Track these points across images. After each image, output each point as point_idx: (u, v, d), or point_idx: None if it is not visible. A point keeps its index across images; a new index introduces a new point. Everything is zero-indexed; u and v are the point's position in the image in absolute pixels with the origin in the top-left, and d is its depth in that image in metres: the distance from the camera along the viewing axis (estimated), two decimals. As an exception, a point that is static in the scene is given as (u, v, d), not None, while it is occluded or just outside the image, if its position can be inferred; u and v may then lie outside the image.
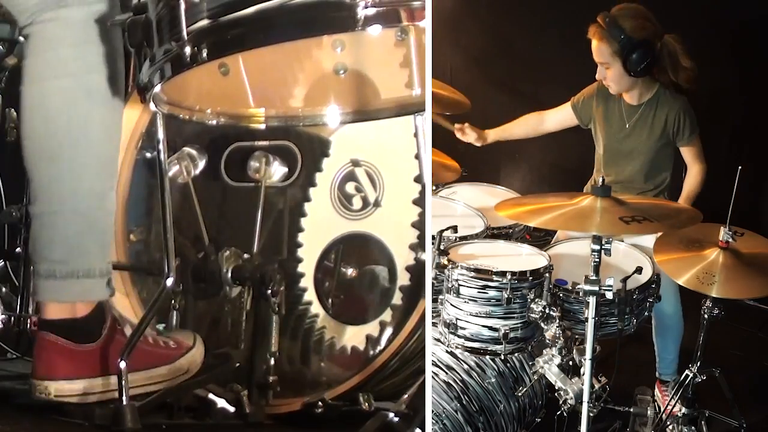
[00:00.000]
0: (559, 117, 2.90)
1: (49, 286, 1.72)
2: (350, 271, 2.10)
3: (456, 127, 2.91)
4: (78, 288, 1.72)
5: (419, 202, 2.02)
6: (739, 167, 2.08)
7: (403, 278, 2.03)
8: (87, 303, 1.75)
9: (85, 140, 1.70)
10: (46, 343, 1.71)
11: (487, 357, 2.27)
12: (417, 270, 2.01)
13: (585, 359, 2.04)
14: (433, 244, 2.26)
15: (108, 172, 1.78)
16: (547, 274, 2.19)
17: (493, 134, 2.97)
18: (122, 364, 1.66)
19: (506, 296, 2.14)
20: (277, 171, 2.17)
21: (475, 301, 2.16)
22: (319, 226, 2.13)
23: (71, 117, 1.69)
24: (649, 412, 2.37)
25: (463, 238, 2.40)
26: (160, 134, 1.75)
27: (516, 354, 2.30)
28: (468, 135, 2.92)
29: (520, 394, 2.32)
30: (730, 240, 2.13)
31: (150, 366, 1.82)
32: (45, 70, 1.70)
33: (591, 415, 2.05)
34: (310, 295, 2.12)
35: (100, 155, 1.74)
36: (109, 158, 1.77)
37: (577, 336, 2.23)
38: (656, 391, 2.69)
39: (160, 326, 2.12)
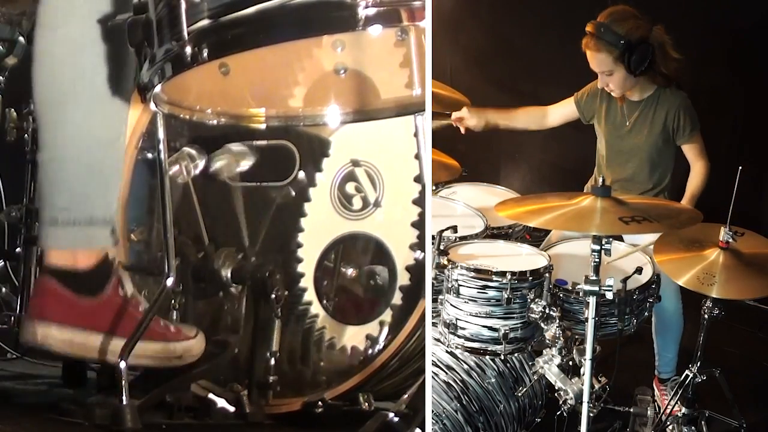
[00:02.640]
0: (562, 111, 2.90)
1: (52, 232, 1.73)
2: (350, 271, 2.10)
3: (453, 118, 2.89)
4: (79, 235, 1.73)
5: (419, 202, 2.02)
6: (740, 167, 2.08)
7: (403, 278, 2.03)
8: (90, 253, 1.75)
9: (91, 88, 1.71)
10: (44, 285, 1.73)
11: (487, 357, 2.27)
12: (417, 270, 2.01)
13: (585, 359, 2.04)
14: (433, 244, 2.26)
15: (115, 122, 1.78)
16: (547, 274, 2.19)
17: (494, 116, 2.91)
18: (122, 364, 1.66)
19: (506, 296, 2.14)
20: (246, 165, 2.16)
21: (475, 301, 2.16)
22: (319, 226, 2.13)
23: (78, 64, 1.70)
24: (649, 412, 2.38)
25: (463, 238, 2.40)
26: (160, 134, 1.75)
27: (516, 354, 2.30)
28: (467, 120, 2.88)
29: (520, 394, 2.32)
30: (731, 240, 2.13)
31: (145, 338, 1.79)
32: (57, 15, 1.71)
33: (591, 415, 2.05)
34: (310, 295, 2.12)
35: (105, 101, 1.74)
36: (115, 108, 1.77)
37: (577, 336, 2.23)
38: (654, 389, 2.70)
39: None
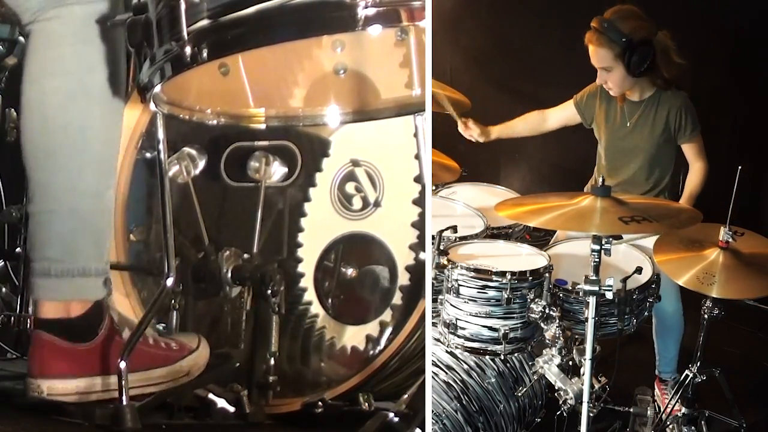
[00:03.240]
0: (562, 115, 2.91)
1: (44, 284, 1.72)
2: (350, 271, 2.10)
3: (462, 120, 2.91)
4: (73, 287, 1.73)
5: (419, 202, 2.02)
6: (739, 167, 2.08)
7: (403, 278, 2.03)
8: (82, 302, 1.75)
9: (82, 140, 1.71)
10: (40, 341, 1.71)
11: (487, 357, 2.27)
12: (417, 270, 2.01)
13: (585, 359, 2.04)
14: (433, 244, 2.26)
15: (106, 171, 1.77)
16: (547, 274, 2.19)
17: (496, 131, 2.97)
18: (122, 364, 1.66)
19: (506, 296, 2.14)
20: (277, 171, 2.17)
21: (475, 301, 2.16)
22: (319, 226, 2.13)
23: (69, 116, 1.69)
24: (649, 412, 2.37)
25: (463, 238, 2.40)
26: (160, 134, 1.75)
27: (516, 354, 2.30)
28: (471, 129, 2.92)
29: (520, 394, 2.32)
30: (730, 240, 2.13)
31: (148, 367, 1.81)
32: (45, 68, 1.70)
33: (591, 415, 2.05)
34: (310, 295, 2.12)
35: (97, 155, 1.74)
36: (107, 158, 1.77)
37: (577, 336, 2.23)
38: (655, 389, 2.70)
39: (160, 326, 2.12)
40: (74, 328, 1.73)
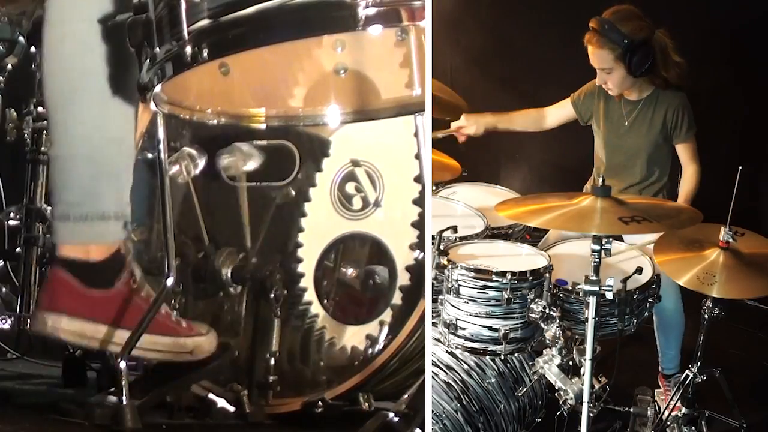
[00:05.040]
0: (560, 113, 2.91)
1: (64, 228, 1.75)
2: (350, 271, 2.10)
3: (453, 127, 2.91)
4: (92, 230, 1.75)
5: (419, 202, 2.02)
6: (740, 167, 2.08)
7: (403, 278, 2.03)
8: (102, 247, 1.77)
9: (99, 85, 1.73)
10: (56, 276, 1.74)
11: (487, 357, 2.27)
12: (417, 270, 2.01)
13: (585, 359, 2.04)
14: (433, 244, 2.26)
15: (126, 117, 1.79)
16: (547, 274, 2.19)
17: (493, 119, 2.93)
18: (122, 364, 1.66)
19: (506, 296, 2.14)
20: (254, 164, 2.16)
21: (475, 301, 2.16)
22: (319, 226, 2.13)
23: (86, 61, 1.72)
24: (649, 412, 2.37)
25: (463, 238, 2.40)
26: (160, 134, 1.75)
27: (516, 354, 2.30)
28: (467, 128, 2.90)
29: (520, 394, 2.32)
30: (731, 240, 2.13)
31: (155, 332, 1.80)
32: (65, 12, 1.73)
33: (591, 415, 2.05)
34: (310, 295, 2.12)
35: (114, 101, 1.75)
36: (124, 105, 1.78)
37: (577, 336, 2.23)
38: (660, 386, 2.70)
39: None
40: (92, 272, 1.75)
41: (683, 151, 2.70)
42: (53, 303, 1.72)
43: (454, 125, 2.92)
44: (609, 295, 2.01)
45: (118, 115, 1.78)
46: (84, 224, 1.74)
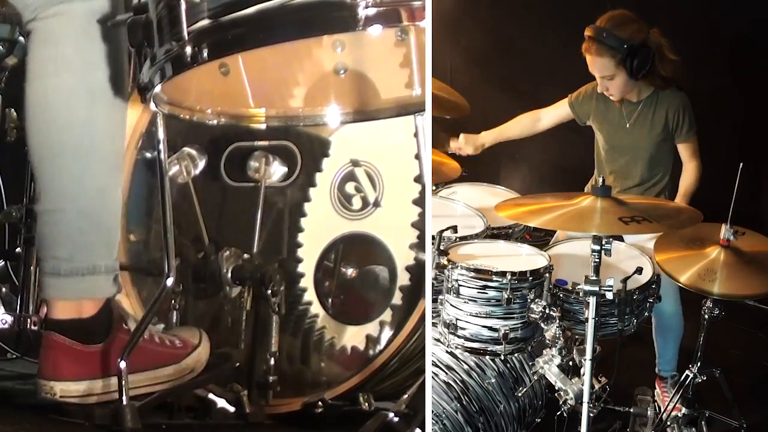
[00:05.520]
0: (556, 114, 2.91)
1: (54, 284, 1.72)
2: (350, 271, 2.10)
3: (452, 148, 2.95)
4: (83, 285, 1.73)
5: (419, 202, 2.02)
6: (741, 164, 2.09)
7: (403, 278, 2.03)
8: (93, 302, 1.75)
9: (88, 138, 1.70)
10: (52, 343, 1.71)
11: (487, 357, 2.27)
12: (417, 270, 2.01)
13: (585, 359, 2.04)
14: (433, 244, 2.26)
15: (112, 168, 1.77)
16: (547, 274, 2.19)
17: (489, 140, 2.99)
18: (122, 364, 1.66)
19: (506, 296, 2.14)
20: (277, 171, 2.17)
21: (475, 301, 2.16)
22: (319, 226, 2.13)
23: (74, 115, 1.69)
24: (649, 413, 2.37)
25: (463, 238, 2.40)
26: (160, 134, 1.75)
27: (516, 354, 2.30)
28: (465, 149, 2.96)
29: (520, 394, 2.32)
30: (732, 238, 2.13)
31: (156, 366, 1.82)
32: (47, 66, 1.70)
33: (591, 415, 2.05)
34: (310, 295, 2.12)
35: (104, 152, 1.74)
36: (113, 155, 1.77)
37: (577, 336, 2.23)
38: (656, 389, 2.70)
39: (159, 326, 2.12)
40: (86, 329, 1.73)
41: (684, 150, 2.70)
42: (56, 371, 1.70)
43: (453, 146, 2.96)
44: (609, 295, 2.01)
45: (106, 164, 1.75)
46: (75, 279, 1.71)
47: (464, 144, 2.96)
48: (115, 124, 1.76)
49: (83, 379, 1.70)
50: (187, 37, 1.44)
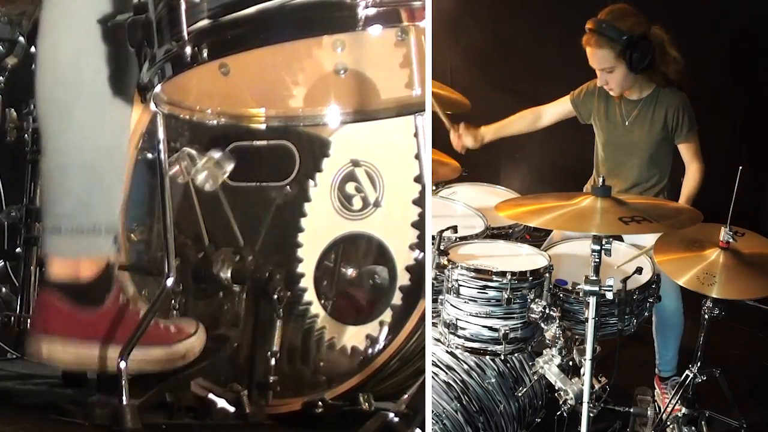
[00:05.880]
0: (558, 111, 2.91)
1: (55, 241, 1.73)
2: (350, 271, 2.10)
3: (454, 127, 2.92)
4: (83, 243, 1.73)
5: (419, 202, 2.02)
6: (740, 167, 2.08)
7: (403, 278, 2.03)
8: (92, 262, 1.75)
9: (94, 94, 1.71)
10: (46, 301, 1.72)
11: (487, 357, 2.27)
12: (417, 270, 2.01)
13: (585, 359, 2.04)
14: (433, 244, 2.26)
15: (119, 128, 1.77)
16: (547, 274, 2.19)
17: (490, 134, 2.97)
18: (122, 364, 1.66)
19: (506, 296, 2.14)
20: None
21: (475, 301, 2.16)
22: (319, 226, 2.13)
23: (82, 71, 1.70)
24: (649, 413, 2.37)
25: (463, 238, 2.40)
26: (160, 134, 1.75)
27: (516, 354, 2.30)
28: (465, 140, 2.94)
29: (520, 394, 2.32)
30: (731, 240, 2.13)
31: (147, 344, 1.80)
32: (57, 24, 1.71)
33: (591, 415, 2.05)
34: (310, 295, 2.12)
35: (110, 108, 1.74)
36: (119, 114, 1.77)
37: (577, 336, 2.23)
38: (655, 388, 2.70)
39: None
40: (82, 292, 1.73)
41: (685, 151, 2.70)
42: (46, 328, 1.71)
43: (453, 138, 2.95)
44: (609, 295, 2.01)
45: (113, 122, 1.76)
46: (75, 237, 1.72)
47: (464, 133, 2.93)
48: (123, 78, 1.75)
49: (72, 341, 1.70)
50: (187, 37, 1.44)
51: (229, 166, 2.13)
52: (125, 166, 1.83)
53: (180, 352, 1.88)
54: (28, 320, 1.73)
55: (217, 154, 2.12)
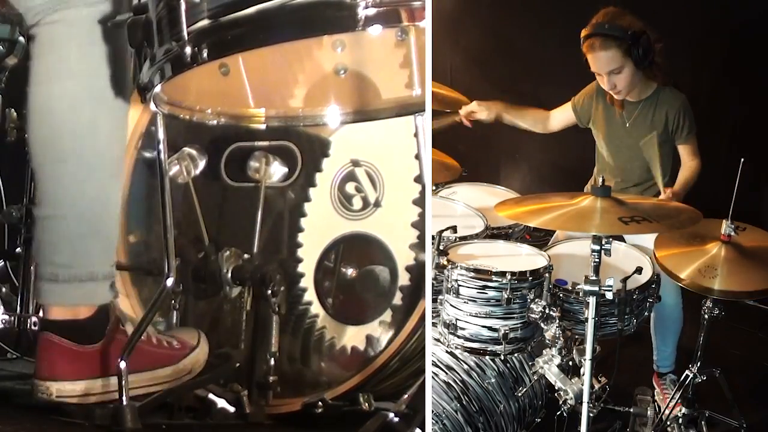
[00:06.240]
0: (562, 117, 2.92)
1: (52, 290, 1.72)
2: (350, 271, 2.10)
3: (463, 112, 2.91)
4: (80, 292, 1.73)
5: (419, 202, 2.02)
6: (742, 159, 2.08)
7: (403, 278, 2.03)
8: (90, 306, 1.75)
9: (90, 143, 1.71)
10: (48, 343, 1.71)
11: (487, 357, 2.27)
12: (417, 270, 2.01)
13: (585, 359, 2.04)
14: (433, 244, 2.26)
15: (113, 175, 1.78)
16: (546, 274, 2.19)
17: (504, 108, 2.94)
18: (122, 364, 1.66)
19: (506, 296, 2.14)
20: (277, 171, 2.17)
21: (475, 301, 2.16)
22: (319, 226, 2.13)
23: (76, 120, 1.69)
24: (649, 412, 2.37)
25: (463, 238, 2.40)
26: (160, 134, 1.75)
27: (516, 354, 2.30)
28: (478, 113, 2.91)
29: (520, 394, 2.32)
30: (732, 233, 2.13)
31: (154, 367, 1.82)
32: (50, 71, 1.71)
33: (591, 415, 2.05)
34: (310, 295, 2.12)
35: (105, 158, 1.74)
36: (114, 161, 1.77)
37: (577, 336, 2.23)
38: (654, 385, 2.70)
39: (160, 320, 2.12)
40: (81, 330, 1.73)
41: (684, 151, 2.70)
42: (52, 372, 1.70)
43: (464, 109, 2.92)
44: (609, 295, 2.01)
45: (108, 173, 1.76)
46: (73, 285, 1.72)
47: (477, 108, 2.91)
48: (117, 129, 1.77)
49: (79, 379, 1.71)
50: (187, 38, 1.44)
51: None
52: (119, 214, 1.81)
53: (186, 367, 1.89)
54: (34, 365, 1.74)
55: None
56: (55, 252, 1.72)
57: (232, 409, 1.97)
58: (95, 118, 1.70)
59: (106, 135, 1.73)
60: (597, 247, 2.00)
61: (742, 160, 2.08)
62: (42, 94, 1.71)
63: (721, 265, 2.10)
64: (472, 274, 2.16)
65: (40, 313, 1.80)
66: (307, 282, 2.12)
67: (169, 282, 1.74)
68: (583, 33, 2.58)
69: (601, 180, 2.10)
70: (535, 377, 2.26)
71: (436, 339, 2.26)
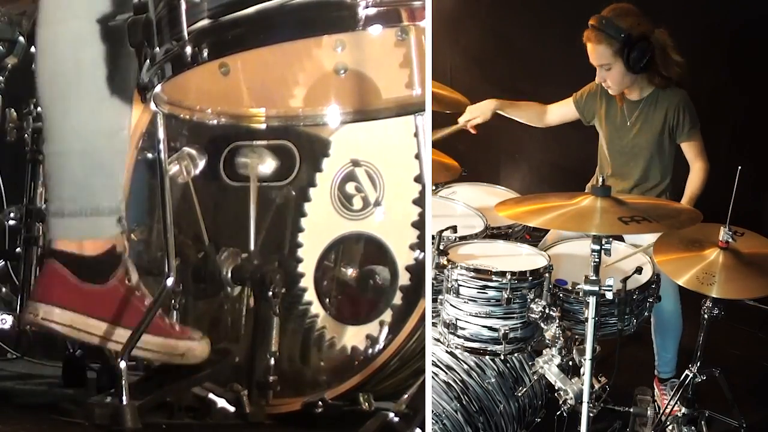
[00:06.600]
0: (562, 111, 2.92)
1: (58, 224, 1.77)
2: (350, 271, 2.10)
3: (462, 123, 2.91)
4: (85, 225, 1.77)
5: (419, 202, 2.02)
6: (739, 167, 2.08)
7: (403, 278, 2.03)
8: (96, 241, 1.78)
9: (94, 80, 1.74)
10: (50, 269, 1.75)
11: (487, 357, 2.28)
12: (417, 270, 2.01)
13: (585, 359, 2.04)
14: (433, 244, 2.26)
15: (119, 111, 1.80)
16: (546, 274, 2.19)
17: (498, 103, 2.93)
18: (122, 364, 1.66)
19: (506, 296, 2.14)
20: (268, 166, 2.17)
21: (475, 301, 2.16)
22: (319, 226, 2.13)
23: (81, 57, 1.73)
24: (649, 412, 2.38)
25: (463, 238, 2.40)
26: (160, 134, 1.75)
27: (516, 354, 2.30)
28: (476, 120, 2.91)
29: (520, 394, 2.32)
30: (730, 240, 2.13)
31: (147, 332, 1.80)
32: (57, 11, 1.74)
33: (591, 415, 2.05)
34: (310, 295, 2.12)
35: (109, 95, 1.77)
36: (118, 101, 1.79)
37: (577, 336, 2.23)
38: (655, 389, 2.70)
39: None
40: (86, 266, 1.76)
41: (688, 149, 2.70)
42: (46, 294, 1.74)
43: (461, 120, 2.92)
44: (609, 295, 2.01)
45: (111, 110, 1.79)
46: (78, 219, 1.76)
47: (471, 115, 2.91)
48: (122, 67, 1.78)
49: (69, 310, 1.73)
50: (187, 37, 1.44)
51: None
52: (126, 150, 1.87)
53: (179, 348, 1.89)
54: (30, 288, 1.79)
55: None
56: (60, 187, 1.78)
57: (232, 408, 1.97)
58: (98, 56, 1.74)
59: (109, 71, 1.76)
60: (597, 247, 2.00)
61: (740, 167, 2.08)
62: (47, 34, 1.76)
63: (719, 272, 2.09)
64: (472, 274, 2.16)
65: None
66: (307, 282, 2.12)
67: (170, 282, 1.74)
68: (589, 22, 2.60)
69: (601, 180, 2.10)
70: (535, 377, 2.26)
71: (436, 339, 2.26)
